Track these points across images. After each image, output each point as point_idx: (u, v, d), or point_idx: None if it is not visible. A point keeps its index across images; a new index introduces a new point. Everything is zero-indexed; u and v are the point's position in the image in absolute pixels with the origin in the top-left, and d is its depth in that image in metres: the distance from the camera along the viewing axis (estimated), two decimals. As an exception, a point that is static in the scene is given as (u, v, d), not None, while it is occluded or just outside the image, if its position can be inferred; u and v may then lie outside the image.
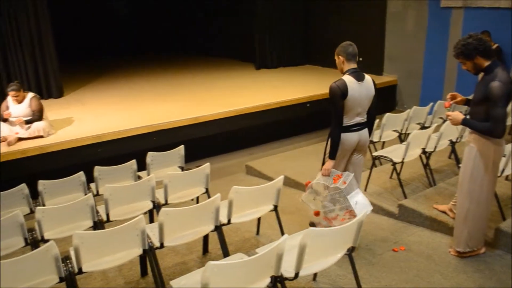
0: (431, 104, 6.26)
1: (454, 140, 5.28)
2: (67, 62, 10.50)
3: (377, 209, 4.68)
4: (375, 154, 5.07)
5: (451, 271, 3.58)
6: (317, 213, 3.68)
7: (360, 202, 3.54)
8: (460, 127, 5.14)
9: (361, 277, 3.35)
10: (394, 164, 4.76)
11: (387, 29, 9.36)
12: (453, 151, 5.48)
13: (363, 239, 4.13)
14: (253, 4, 10.70)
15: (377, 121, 5.69)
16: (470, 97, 3.62)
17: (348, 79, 3.51)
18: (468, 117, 3.48)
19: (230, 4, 12.13)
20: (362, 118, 3.67)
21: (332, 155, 3.62)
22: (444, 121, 6.03)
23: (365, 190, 4.94)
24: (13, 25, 7.99)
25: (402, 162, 4.80)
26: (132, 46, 14.54)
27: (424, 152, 4.98)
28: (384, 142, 5.97)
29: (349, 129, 3.62)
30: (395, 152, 4.91)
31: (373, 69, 9.66)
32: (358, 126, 3.66)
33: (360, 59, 10.75)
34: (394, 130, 5.96)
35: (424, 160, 5.06)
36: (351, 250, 3.01)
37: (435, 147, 5.03)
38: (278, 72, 10.60)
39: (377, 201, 4.74)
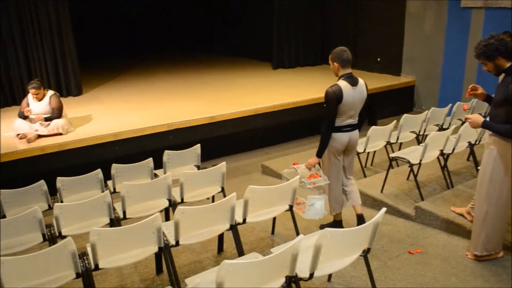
0: (450, 105, 6.19)
1: (473, 142, 5.20)
2: (86, 61, 10.62)
3: (393, 211, 4.65)
4: (392, 155, 5.02)
5: (468, 275, 3.53)
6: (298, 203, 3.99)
7: (315, 207, 3.83)
8: (479, 129, 5.07)
9: (376, 279, 3.33)
10: (411, 165, 4.71)
11: (405, 30, 9.26)
12: (472, 153, 5.40)
13: (379, 240, 4.10)
14: (271, 3, 10.70)
15: (394, 122, 5.69)
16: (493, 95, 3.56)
17: (343, 84, 3.72)
18: (487, 119, 3.42)
19: (248, 3, 12.14)
20: (354, 120, 3.90)
21: (319, 154, 3.89)
22: (463, 122, 5.95)
23: (382, 191, 4.91)
24: (34, 25, 8.13)
25: (420, 164, 4.75)
26: (150, 45, 14.64)
27: (442, 154, 4.92)
28: (401, 143, 5.92)
29: (341, 129, 3.85)
30: (412, 154, 4.85)
31: (391, 70, 9.60)
32: (350, 127, 3.89)
33: (378, 59, 10.68)
34: (412, 132, 5.91)
35: (442, 162, 5.00)
36: (366, 251, 2.99)
37: (453, 149, 4.97)
38: (295, 72, 10.57)
39: (394, 203, 4.70)
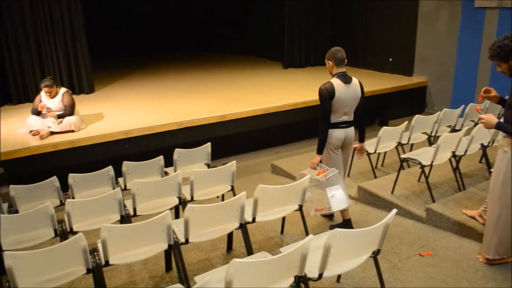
0: (463, 106, 6.13)
1: (485, 144, 5.15)
2: (98, 59, 10.71)
3: (404, 213, 4.62)
4: (403, 156, 4.99)
5: (479, 278, 3.50)
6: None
7: (337, 196, 3.87)
8: (493, 130, 5.01)
9: (386, 281, 3.31)
10: (422, 167, 4.67)
11: (418, 29, 9.19)
12: (485, 155, 5.34)
13: (389, 242, 4.08)
14: (282, 2, 10.68)
15: (405, 122, 5.65)
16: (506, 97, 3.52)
17: (336, 82, 3.89)
18: (501, 120, 3.38)
19: (259, 2, 12.13)
20: (349, 117, 4.03)
21: (319, 150, 4.02)
22: (476, 124, 5.89)
23: (392, 192, 4.88)
24: (48, 24, 8.21)
25: (431, 165, 4.71)
26: (161, 43, 14.70)
27: (454, 155, 4.88)
28: (412, 144, 5.87)
29: (337, 125, 4.00)
30: (424, 155, 4.82)
31: (403, 70, 9.53)
32: (345, 124, 4.04)
33: (390, 59, 10.62)
34: (423, 133, 5.86)
35: (454, 164, 4.95)
36: (376, 252, 2.98)
37: (466, 151, 4.92)
38: (305, 72, 10.55)
39: (404, 204, 4.67)
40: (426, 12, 8.98)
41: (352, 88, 3.93)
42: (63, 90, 6.34)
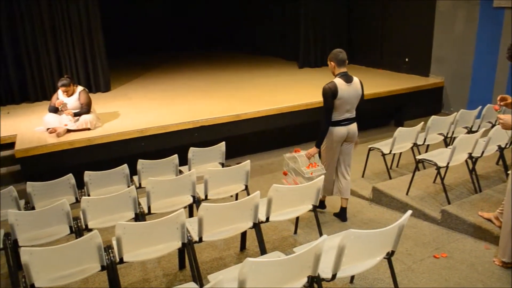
0: (480, 107, 6.05)
1: (503, 145, 5.08)
2: (115, 58, 10.79)
3: (419, 214, 4.57)
4: (418, 157, 4.95)
5: (494, 281, 3.45)
6: (285, 173, 4.50)
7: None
8: (510, 132, 4.94)
9: (400, 283, 3.29)
10: (438, 168, 4.63)
11: (435, 29, 9.08)
12: (502, 157, 5.27)
13: (403, 243, 4.05)
14: (298, 2, 10.66)
15: (421, 123, 5.60)
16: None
17: (338, 81, 4.12)
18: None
19: (275, 2, 12.12)
20: (351, 114, 4.28)
21: (318, 145, 4.30)
22: (493, 125, 5.81)
23: (407, 194, 4.84)
24: (65, 23, 8.31)
25: (447, 167, 4.66)
26: (177, 43, 14.78)
27: (470, 157, 4.82)
28: (428, 145, 5.81)
29: (339, 123, 4.24)
30: (439, 156, 4.77)
31: (419, 70, 9.44)
32: (348, 121, 4.28)
33: (406, 59, 10.50)
34: (440, 134, 5.80)
35: (470, 166, 4.89)
36: (390, 254, 2.96)
37: (482, 152, 4.86)
38: (321, 71, 10.50)
39: (419, 206, 4.63)
40: (443, 11, 8.87)
41: (353, 86, 4.17)
42: (80, 88, 6.41)
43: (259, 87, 8.86)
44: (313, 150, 4.30)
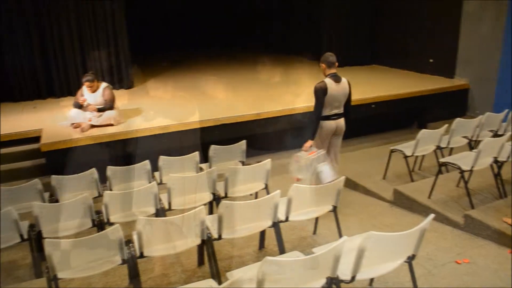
0: (506, 110, 5.91)
1: (530, 150, 4.96)
2: (138, 55, 10.90)
3: (441, 218, 4.50)
4: (442, 160, 4.86)
5: (519, 289, 3.38)
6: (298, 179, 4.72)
7: (324, 171, 4.59)
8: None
9: (420, 287, 3.24)
10: (462, 172, 4.54)
11: (461, 30, 8.91)
12: (528, 162, 5.14)
13: (424, 247, 3.97)
14: (322, 2, 10.58)
15: (445, 125, 5.50)
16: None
17: (328, 81, 4.63)
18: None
19: (300, 1, 12.06)
20: (339, 110, 4.76)
21: (312, 137, 4.71)
22: (520, 129, 5.68)
23: (429, 197, 4.77)
24: (90, 20, 8.44)
25: (471, 171, 4.57)
26: (199, 40, 14.83)
27: (496, 161, 4.71)
28: (452, 149, 5.72)
29: (329, 117, 4.71)
30: (464, 160, 4.67)
31: (444, 72, 9.27)
32: (336, 116, 4.75)
33: (431, 60, 10.30)
34: (464, 137, 5.70)
35: (496, 170, 4.78)
36: (411, 258, 2.92)
37: (508, 157, 4.74)
38: (343, 72, 10.21)
39: (442, 210, 4.55)
40: (470, 12, 8.69)
41: (341, 86, 4.67)
42: (104, 85, 6.50)
43: (280, 86, 8.83)
44: (308, 142, 4.70)
